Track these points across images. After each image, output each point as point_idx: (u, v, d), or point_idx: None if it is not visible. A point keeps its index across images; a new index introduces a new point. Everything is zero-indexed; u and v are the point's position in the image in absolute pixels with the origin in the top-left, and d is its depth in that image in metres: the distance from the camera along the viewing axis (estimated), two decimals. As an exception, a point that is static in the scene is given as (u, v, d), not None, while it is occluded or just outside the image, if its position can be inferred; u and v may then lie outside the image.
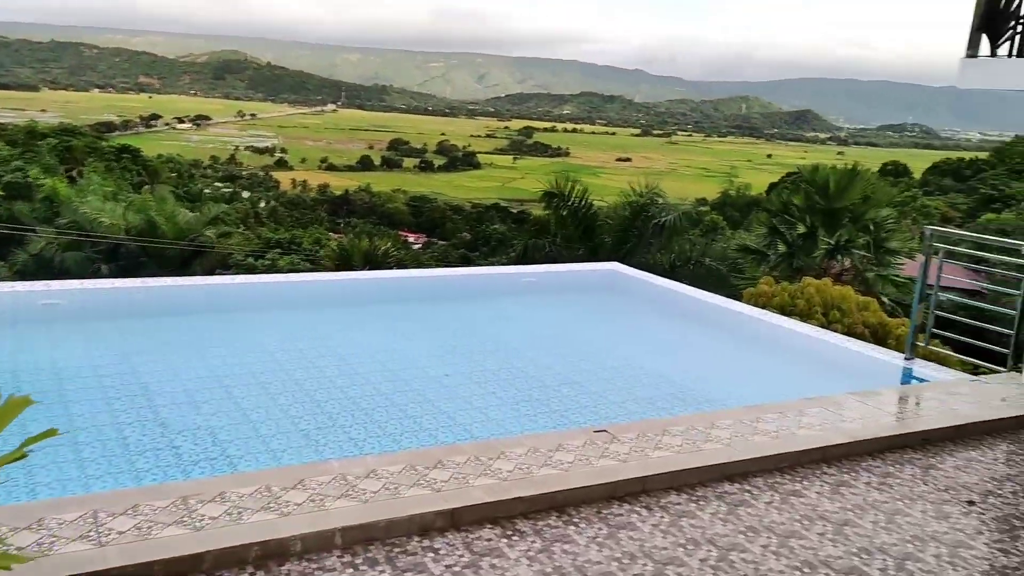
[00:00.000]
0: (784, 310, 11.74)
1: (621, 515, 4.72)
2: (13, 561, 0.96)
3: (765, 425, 5.77)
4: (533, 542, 4.36)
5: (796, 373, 8.63)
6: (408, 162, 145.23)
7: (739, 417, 5.90)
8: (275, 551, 3.98)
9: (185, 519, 4.06)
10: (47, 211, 25.93)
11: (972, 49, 6.64)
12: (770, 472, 5.21)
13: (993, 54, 6.55)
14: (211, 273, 20.91)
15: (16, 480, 5.12)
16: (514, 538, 4.39)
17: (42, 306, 8.44)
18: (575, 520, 4.63)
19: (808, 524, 4.60)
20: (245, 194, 79.71)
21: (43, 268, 21.15)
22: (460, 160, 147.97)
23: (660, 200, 19.21)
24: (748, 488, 4.98)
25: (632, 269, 12.44)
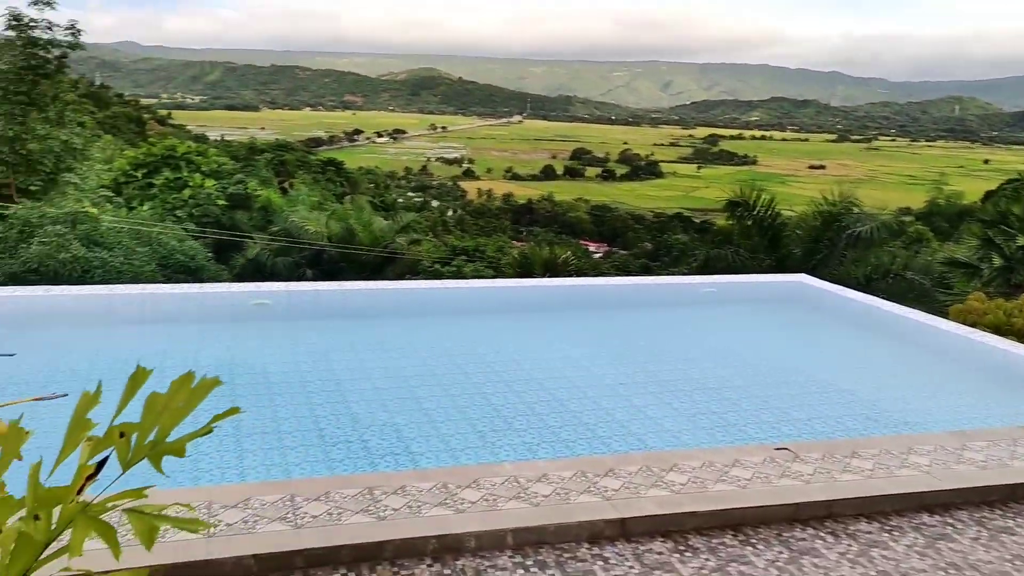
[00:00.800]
0: (999, 329, 10.66)
1: (804, 540, 4.48)
2: (201, 527, 1.07)
3: (971, 454, 5.28)
4: (707, 560, 4.24)
5: (1011, 399, 7.80)
6: (590, 171, 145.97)
7: (941, 443, 5.44)
8: (451, 545, 4.13)
9: (370, 508, 4.31)
10: (262, 220, 28.42)
11: None
12: (977, 506, 4.76)
13: None
14: (401, 278, 22.06)
15: (229, 463, 5.65)
16: (687, 554, 4.29)
17: (253, 305, 9.26)
18: (752, 541, 4.45)
19: (1021, 566, 4.15)
20: (434, 203, 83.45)
21: (257, 272, 23.18)
22: (643, 169, 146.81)
23: (855, 209, 18.03)
24: (950, 521, 4.58)
25: (821, 281, 11.77)
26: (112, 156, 31.02)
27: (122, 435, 1.07)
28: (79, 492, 1.04)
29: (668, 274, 24.44)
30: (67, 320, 8.69)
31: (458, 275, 25.36)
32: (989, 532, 4.46)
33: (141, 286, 9.48)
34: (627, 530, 4.42)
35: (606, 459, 5.18)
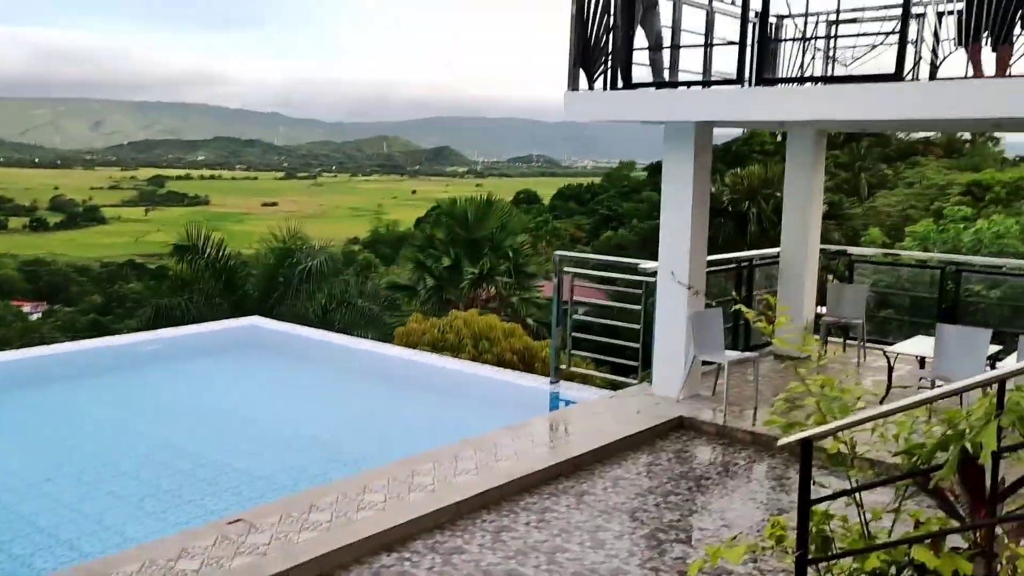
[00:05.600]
0: (435, 346, 11.72)
1: (263, 627, 3.99)
2: None
3: (421, 479, 5.40)
4: None
5: (452, 414, 8.48)
6: (15, 222, 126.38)
7: (393, 474, 5.46)
8: None
9: None
10: None
11: (573, 84, 7.00)
12: (430, 531, 4.83)
13: (591, 87, 6.97)
14: None
15: None
16: None
17: None
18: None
19: (473, 586, 4.26)
20: None
21: None
22: (81, 216, 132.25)
23: (304, 244, 18.47)
24: (407, 556, 4.54)
25: (273, 322, 11.54)
26: None
27: None
28: None
29: (123, 327, 22.09)
30: None
31: None
32: (442, 557, 4.53)
33: None
34: None
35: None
